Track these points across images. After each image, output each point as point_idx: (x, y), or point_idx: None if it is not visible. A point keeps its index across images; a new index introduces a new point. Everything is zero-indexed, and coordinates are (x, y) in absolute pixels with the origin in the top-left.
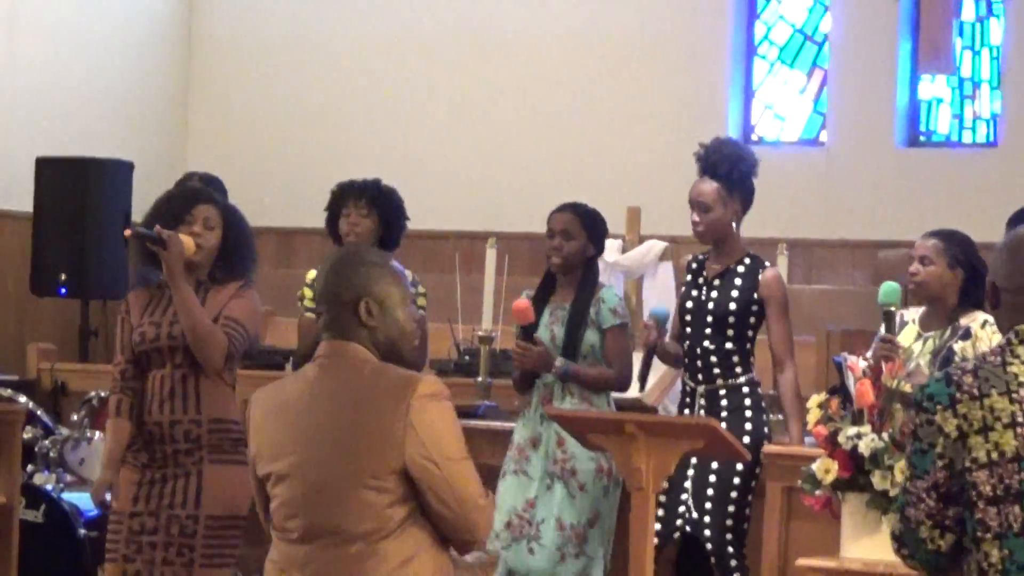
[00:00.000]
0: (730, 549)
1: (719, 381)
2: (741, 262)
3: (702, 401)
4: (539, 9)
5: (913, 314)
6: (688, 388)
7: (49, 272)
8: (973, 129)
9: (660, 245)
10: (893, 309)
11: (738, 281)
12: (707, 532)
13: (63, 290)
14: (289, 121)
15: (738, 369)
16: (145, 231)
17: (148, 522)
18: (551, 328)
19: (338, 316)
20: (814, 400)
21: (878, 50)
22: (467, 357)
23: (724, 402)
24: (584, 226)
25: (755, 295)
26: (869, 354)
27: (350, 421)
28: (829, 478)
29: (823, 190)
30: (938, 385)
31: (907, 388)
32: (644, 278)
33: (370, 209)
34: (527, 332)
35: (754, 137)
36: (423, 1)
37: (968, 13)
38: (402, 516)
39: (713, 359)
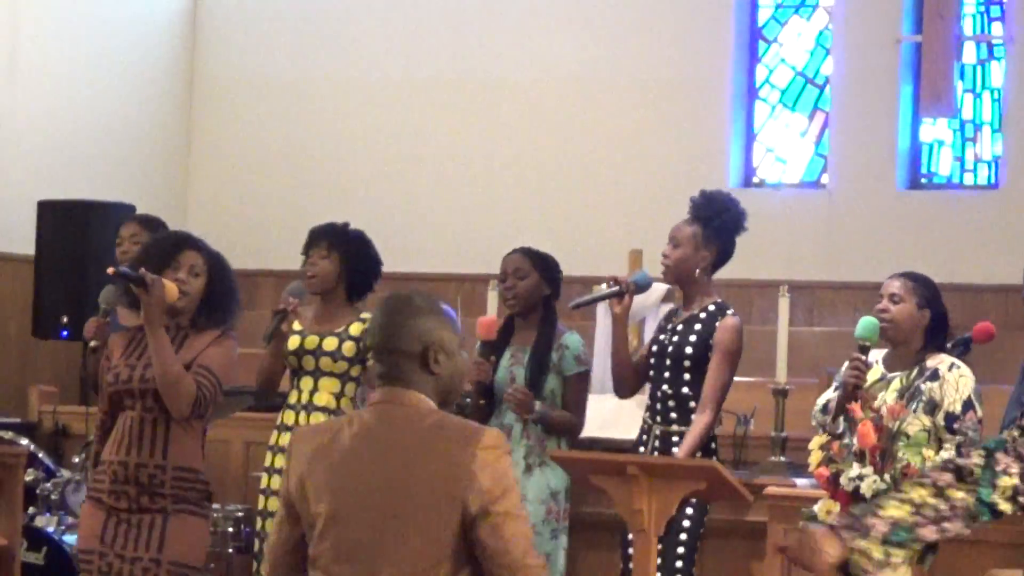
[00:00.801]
0: None
1: (674, 426)
2: (705, 308)
3: (656, 443)
4: (540, 53)
5: (876, 355)
6: (645, 425)
7: (50, 315)
8: (974, 171)
9: (662, 287)
10: (869, 344)
11: (698, 326)
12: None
13: (65, 333)
14: (290, 164)
15: (692, 416)
16: (129, 272)
17: (115, 563)
18: (511, 370)
19: (399, 364)
20: (815, 442)
21: (879, 93)
22: (467, 399)
23: (675, 449)
24: (535, 266)
25: (710, 340)
26: (837, 382)
27: (414, 472)
28: (831, 519)
29: (824, 232)
30: None
31: (911, 431)
32: (646, 320)
33: (330, 251)
34: (486, 349)
35: (756, 180)
36: (424, 45)
37: (969, 56)
38: (453, 567)
39: (671, 403)
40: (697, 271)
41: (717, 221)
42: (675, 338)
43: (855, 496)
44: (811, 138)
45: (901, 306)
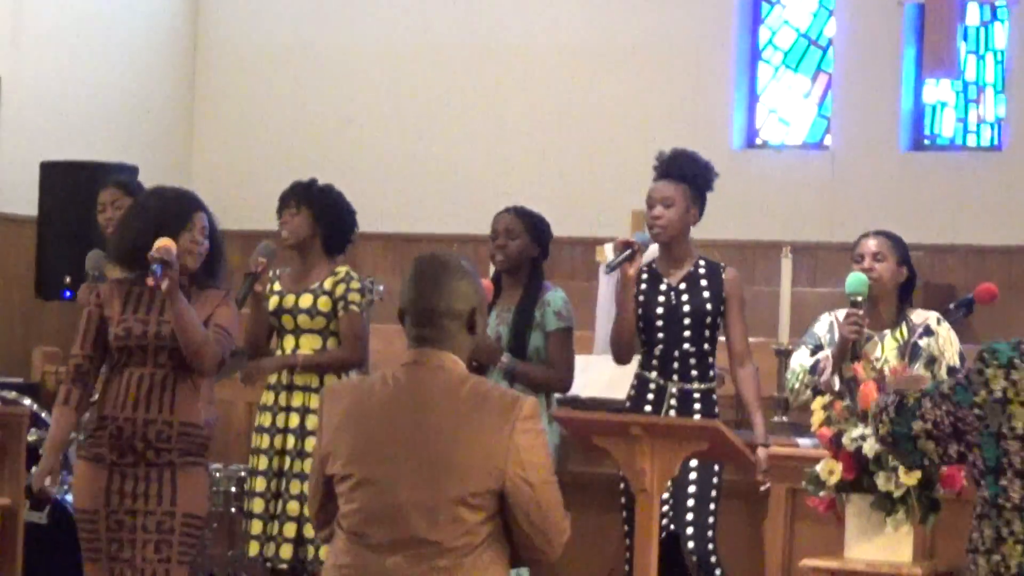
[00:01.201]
0: (710, 546)
1: (695, 383)
2: (698, 265)
3: (672, 401)
4: (543, 15)
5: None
6: (654, 385)
7: (53, 276)
8: (977, 133)
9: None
10: (861, 300)
11: (704, 283)
12: (690, 531)
13: (67, 294)
14: (293, 125)
15: (711, 373)
16: (163, 259)
17: (126, 520)
18: (497, 329)
19: (445, 326)
20: (818, 402)
21: (883, 54)
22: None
23: (698, 406)
24: (526, 227)
25: (722, 294)
26: (824, 338)
27: (451, 438)
28: (833, 479)
29: (827, 194)
30: (1005, 346)
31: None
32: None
33: (299, 207)
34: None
35: (758, 141)
36: (428, 7)
37: (972, 17)
38: (488, 532)
39: (692, 360)
40: (687, 230)
41: (701, 179)
42: (686, 297)
43: (857, 456)
44: (814, 100)
45: (884, 264)
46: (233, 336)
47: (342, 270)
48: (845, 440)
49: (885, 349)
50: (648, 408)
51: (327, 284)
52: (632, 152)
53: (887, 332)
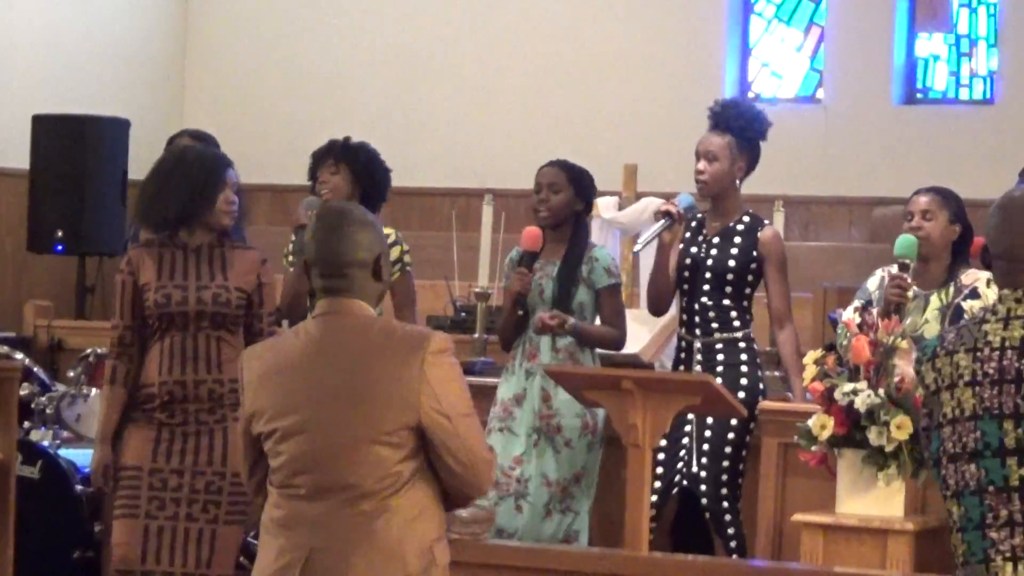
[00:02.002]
0: (725, 504)
1: (716, 335)
2: (740, 220)
3: (699, 356)
4: None
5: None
6: (684, 343)
7: (45, 229)
8: (970, 86)
9: (657, 202)
10: (909, 262)
11: (737, 239)
12: (703, 487)
13: (60, 247)
14: (286, 78)
15: (736, 323)
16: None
17: (171, 479)
18: (540, 283)
19: (351, 275)
20: (810, 356)
21: (875, 7)
22: (463, 314)
23: (720, 356)
24: (571, 180)
25: (754, 252)
26: (875, 295)
27: (363, 377)
28: (825, 434)
29: (820, 147)
30: (933, 339)
31: (904, 344)
32: (640, 235)
33: (338, 166)
34: (528, 259)
35: (751, 95)
36: None
37: None
38: (411, 471)
39: (711, 314)
40: (736, 182)
41: (750, 131)
42: (713, 251)
43: (849, 411)
44: (806, 53)
45: (934, 222)
46: (276, 311)
47: (391, 232)
48: (837, 395)
49: (929, 309)
50: (681, 368)
51: None
52: (624, 106)
53: (933, 292)
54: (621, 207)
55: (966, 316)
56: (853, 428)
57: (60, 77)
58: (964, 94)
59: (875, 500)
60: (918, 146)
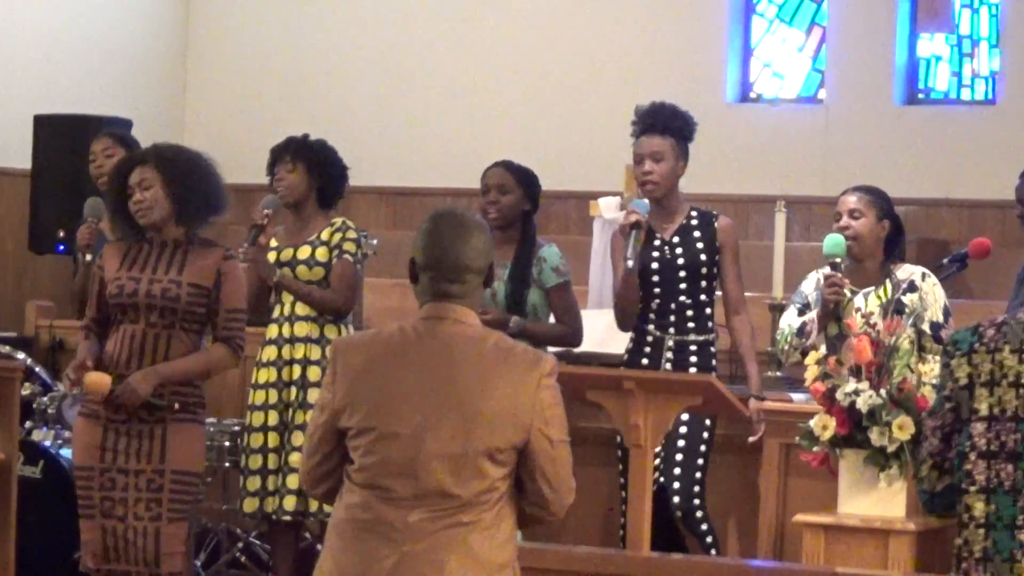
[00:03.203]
0: (696, 502)
1: (692, 335)
2: (691, 217)
3: (669, 354)
4: None
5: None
6: (652, 338)
7: (47, 229)
8: (972, 87)
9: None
10: (839, 261)
11: (697, 234)
12: (676, 485)
13: (61, 247)
14: (286, 79)
15: (709, 324)
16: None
17: (118, 478)
18: (492, 286)
19: (468, 281)
20: (812, 356)
21: (877, 8)
22: None
23: (694, 359)
24: (518, 181)
25: (716, 243)
26: (811, 297)
27: (480, 392)
28: (827, 435)
29: (821, 148)
30: (965, 333)
31: (906, 344)
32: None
33: (294, 163)
34: None
35: (752, 95)
36: None
37: None
38: (505, 488)
39: (689, 312)
40: (677, 183)
41: (687, 131)
42: (679, 250)
43: (851, 411)
44: (808, 53)
45: (863, 220)
46: (243, 309)
47: (338, 220)
48: (838, 395)
49: (868, 306)
50: (645, 361)
51: (324, 235)
52: (626, 105)
53: (871, 289)
54: (623, 207)
55: (907, 310)
56: (855, 429)
57: (62, 77)
58: (966, 94)
59: (877, 500)
60: (920, 146)
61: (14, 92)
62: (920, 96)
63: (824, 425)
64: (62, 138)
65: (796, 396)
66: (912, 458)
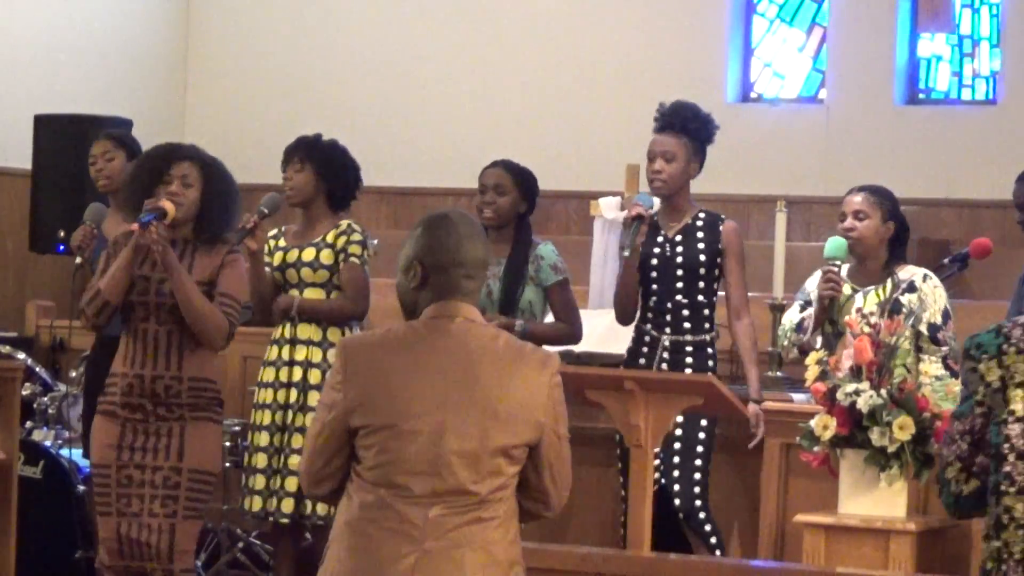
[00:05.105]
0: (698, 503)
1: (688, 336)
2: (698, 217)
3: (664, 354)
4: None
5: (842, 271)
6: (648, 338)
7: (47, 230)
8: (972, 87)
9: (658, 202)
10: (840, 264)
11: (700, 235)
12: (676, 488)
13: (62, 248)
14: (287, 79)
15: (706, 324)
16: (149, 217)
17: (135, 474)
18: (487, 283)
19: (476, 279)
20: (813, 357)
21: (878, 7)
22: None
23: (689, 359)
24: (516, 182)
25: (719, 246)
26: (813, 294)
27: (498, 390)
28: (827, 435)
29: (822, 147)
30: (988, 335)
31: (905, 344)
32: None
33: (303, 163)
34: None
35: (753, 95)
36: None
37: None
38: (514, 484)
39: (685, 312)
40: (688, 183)
41: (704, 133)
42: (680, 249)
43: (851, 411)
44: (809, 53)
45: (867, 222)
46: (240, 300)
47: (344, 223)
48: (839, 395)
49: (867, 305)
50: (642, 360)
51: (329, 237)
52: (627, 105)
53: (871, 288)
54: (623, 207)
55: (904, 310)
56: (855, 429)
57: (62, 77)
58: (966, 94)
59: (877, 501)
60: (920, 146)
61: (14, 92)
62: (921, 96)
63: (825, 425)
64: (62, 138)
65: (796, 396)
66: (913, 458)
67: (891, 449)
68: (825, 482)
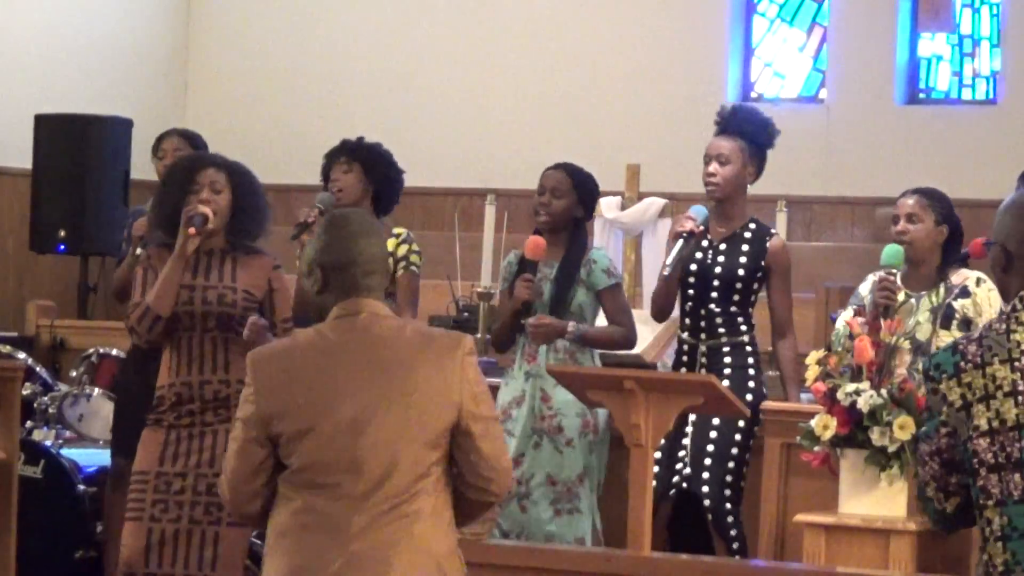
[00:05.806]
0: (727, 506)
1: (723, 339)
2: (747, 227)
3: (703, 359)
4: None
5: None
6: (687, 346)
7: (48, 229)
8: (973, 86)
9: (659, 202)
10: (895, 272)
11: (745, 247)
12: (705, 489)
13: (62, 247)
14: (287, 78)
15: (742, 328)
16: (199, 220)
17: (175, 482)
18: (539, 285)
19: (378, 274)
20: (812, 357)
21: (878, 7)
22: (465, 313)
23: (728, 359)
24: (575, 186)
25: (762, 262)
26: (867, 299)
27: (409, 379)
28: (828, 434)
29: (822, 147)
30: (944, 355)
31: (906, 344)
32: (643, 235)
33: (351, 164)
34: (530, 268)
35: (753, 95)
36: None
37: None
38: (440, 473)
39: (718, 320)
40: (744, 187)
41: (760, 137)
42: (721, 259)
43: (852, 411)
44: (809, 53)
45: (920, 225)
46: (292, 319)
47: (402, 231)
48: (840, 395)
49: (920, 311)
50: (683, 369)
51: (389, 245)
52: (627, 106)
53: (924, 294)
54: (624, 207)
55: (957, 316)
56: (855, 428)
57: (62, 77)
58: (967, 94)
59: (877, 500)
60: (921, 146)
61: (14, 92)
62: (921, 96)
63: (825, 425)
64: (62, 138)
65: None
66: (913, 457)
67: (891, 449)
68: (825, 482)
